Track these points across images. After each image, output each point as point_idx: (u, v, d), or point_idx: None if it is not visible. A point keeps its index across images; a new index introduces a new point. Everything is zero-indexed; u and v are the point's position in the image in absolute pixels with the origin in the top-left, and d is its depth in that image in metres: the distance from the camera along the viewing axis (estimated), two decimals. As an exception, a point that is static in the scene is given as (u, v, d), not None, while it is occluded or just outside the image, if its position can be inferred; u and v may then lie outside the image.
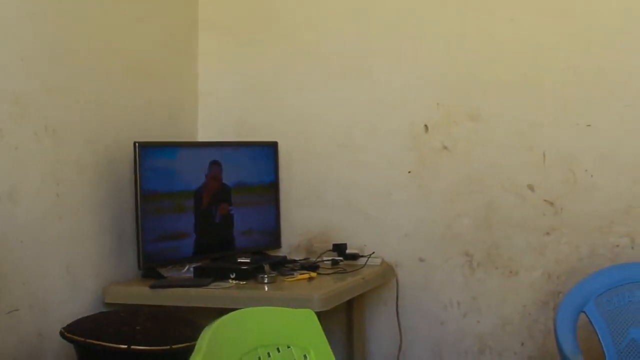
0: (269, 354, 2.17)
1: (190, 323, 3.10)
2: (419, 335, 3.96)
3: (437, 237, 3.91)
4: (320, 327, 2.35)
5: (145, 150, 3.41)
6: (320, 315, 2.68)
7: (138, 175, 3.36)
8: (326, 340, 2.34)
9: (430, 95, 3.89)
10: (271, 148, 3.95)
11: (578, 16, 3.79)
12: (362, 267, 3.75)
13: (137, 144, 3.37)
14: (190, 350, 1.91)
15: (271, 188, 3.95)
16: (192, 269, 3.55)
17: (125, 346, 2.86)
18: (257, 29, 4.10)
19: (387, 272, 3.88)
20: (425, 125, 3.89)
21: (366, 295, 3.91)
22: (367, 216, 3.98)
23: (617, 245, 3.75)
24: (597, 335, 3.19)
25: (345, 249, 3.87)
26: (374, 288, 3.86)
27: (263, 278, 3.39)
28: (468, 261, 3.88)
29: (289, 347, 2.25)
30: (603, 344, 3.15)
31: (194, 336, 1.99)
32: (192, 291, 3.33)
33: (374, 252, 3.87)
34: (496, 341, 3.90)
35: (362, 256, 3.85)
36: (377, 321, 4.00)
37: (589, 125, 3.77)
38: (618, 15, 3.76)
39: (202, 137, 4.10)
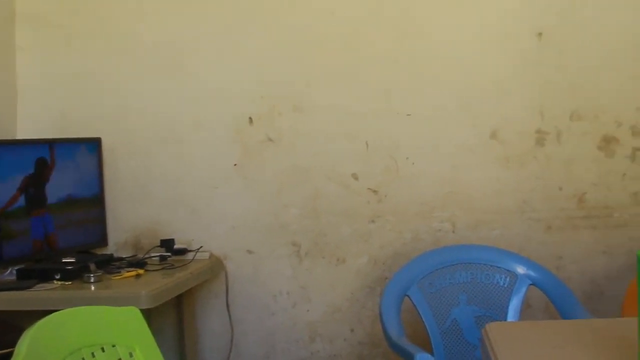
0: (93, 354, 2.13)
1: (14, 327, 3.00)
2: (250, 326, 3.97)
3: (265, 228, 3.93)
4: (145, 323, 2.32)
5: (-39, 150, 3.28)
6: (150, 312, 2.67)
7: (-46, 176, 3.23)
8: (152, 337, 2.32)
9: (253, 87, 3.91)
10: (94, 144, 3.87)
11: (394, 8, 3.89)
12: (190, 262, 3.74)
13: (-49, 143, 3.24)
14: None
15: (95, 185, 3.86)
16: (14, 272, 3.43)
17: (-58, 355, 2.76)
18: (78, 21, 4.00)
19: (216, 266, 3.88)
20: (250, 118, 3.91)
21: (196, 289, 3.90)
22: (194, 210, 3.96)
23: (439, 230, 3.88)
24: (421, 317, 3.28)
25: (173, 244, 3.85)
26: (203, 282, 3.86)
27: (89, 277, 3.32)
28: (296, 251, 3.92)
29: (114, 346, 2.22)
30: (426, 325, 3.23)
31: (17, 341, 1.93)
32: (16, 294, 3.23)
33: (202, 247, 3.87)
34: (326, 328, 3.96)
35: (190, 251, 3.84)
36: (208, 315, 3.99)
37: (409, 115, 3.88)
38: (431, 7, 3.88)
39: (21, 134, 3.97)
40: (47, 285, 3.29)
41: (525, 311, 3.66)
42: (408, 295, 3.23)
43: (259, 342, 3.99)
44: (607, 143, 3.88)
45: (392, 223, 3.90)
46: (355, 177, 3.89)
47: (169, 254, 3.80)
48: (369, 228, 3.90)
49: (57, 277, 3.33)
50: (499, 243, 3.76)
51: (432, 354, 3.14)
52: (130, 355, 2.24)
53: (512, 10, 3.88)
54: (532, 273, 3.27)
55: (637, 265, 1.66)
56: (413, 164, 3.88)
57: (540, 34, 3.87)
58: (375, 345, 3.93)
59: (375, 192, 3.89)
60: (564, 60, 3.88)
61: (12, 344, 2.61)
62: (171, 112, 3.95)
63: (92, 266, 3.42)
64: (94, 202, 3.86)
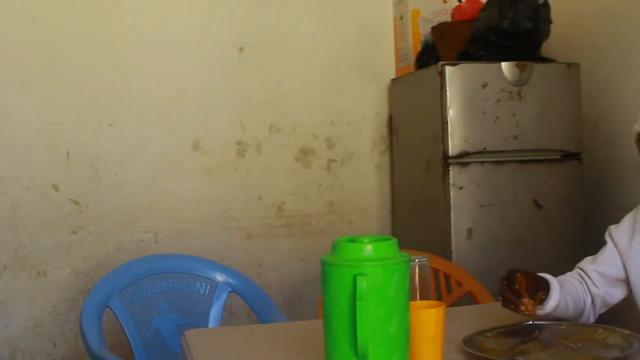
0: None
1: None
2: (-56, 345, 3.79)
3: (-42, 242, 3.77)
4: None
5: None
6: None
7: None
8: None
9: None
10: None
11: (98, 18, 3.86)
12: None
13: None
14: None
15: None
16: None
17: None
18: None
19: None
20: (-57, 128, 3.74)
21: None
22: None
23: (142, 240, 3.90)
24: (123, 328, 3.26)
25: None
26: None
27: None
28: (-6, 265, 3.79)
29: None
30: (129, 336, 3.21)
31: None
32: None
33: None
34: (28, 344, 3.84)
35: None
36: None
37: (111, 125, 3.87)
38: (135, 19, 3.90)
39: None
40: None
41: (229, 318, 3.76)
42: (109, 306, 3.21)
43: (-45, 363, 3.82)
44: (304, 154, 4.07)
45: (95, 234, 3.86)
46: (55, 187, 3.81)
47: None
48: (71, 239, 3.84)
49: None
50: (201, 252, 3.83)
51: (134, 363, 3.15)
52: None
53: (214, 25, 3.99)
54: (231, 280, 3.34)
55: (321, 269, 1.77)
56: (115, 174, 3.87)
57: (241, 49, 3.99)
58: (78, 359, 3.87)
59: (76, 202, 3.83)
60: (263, 75, 4.04)
61: None
62: None
63: None
64: None
